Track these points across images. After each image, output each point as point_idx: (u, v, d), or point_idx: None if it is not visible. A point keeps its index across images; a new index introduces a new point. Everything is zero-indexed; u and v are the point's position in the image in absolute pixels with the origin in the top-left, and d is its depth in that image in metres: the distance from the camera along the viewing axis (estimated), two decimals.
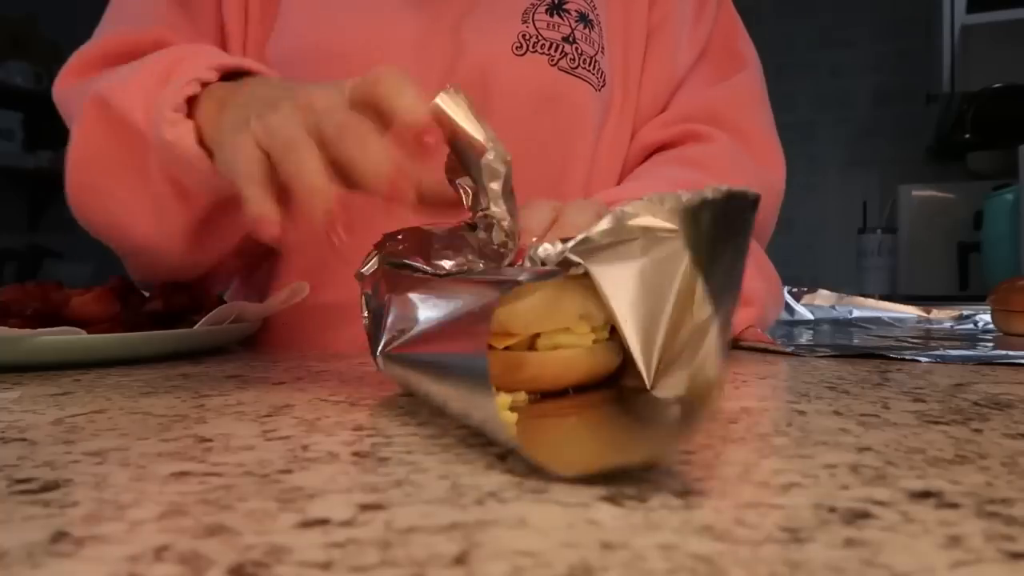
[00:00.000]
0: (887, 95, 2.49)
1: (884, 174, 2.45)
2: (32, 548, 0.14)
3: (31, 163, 3.03)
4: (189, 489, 0.18)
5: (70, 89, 0.58)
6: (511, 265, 0.34)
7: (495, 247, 0.35)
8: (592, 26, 0.64)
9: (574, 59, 0.62)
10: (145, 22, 0.59)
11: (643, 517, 0.16)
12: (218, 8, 0.62)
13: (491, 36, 0.61)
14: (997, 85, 1.79)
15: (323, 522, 0.16)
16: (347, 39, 0.59)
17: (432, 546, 0.14)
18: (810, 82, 2.55)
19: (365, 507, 0.17)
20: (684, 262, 0.25)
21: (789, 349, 0.50)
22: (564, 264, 0.28)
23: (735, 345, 0.56)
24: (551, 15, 0.63)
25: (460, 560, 0.14)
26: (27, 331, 0.40)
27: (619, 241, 0.27)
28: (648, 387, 0.26)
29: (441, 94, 0.35)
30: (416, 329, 0.28)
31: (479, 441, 0.24)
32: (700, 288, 0.25)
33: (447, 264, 0.33)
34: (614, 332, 0.30)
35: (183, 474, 0.20)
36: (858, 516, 0.16)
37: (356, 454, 0.22)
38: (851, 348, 0.52)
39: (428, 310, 0.28)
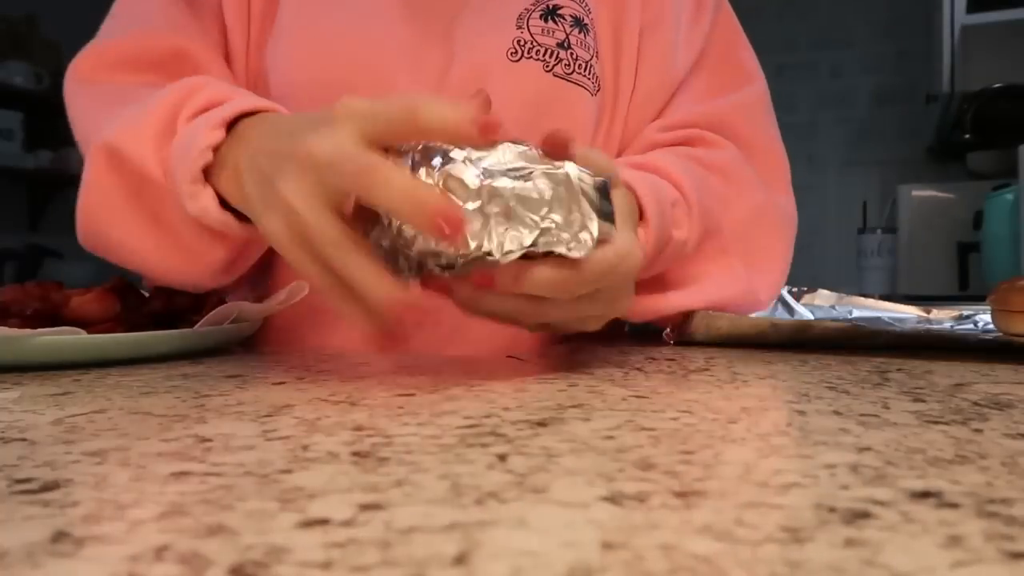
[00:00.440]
0: (887, 95, 2.49)
1: (884, 174, 2.45)
2: (32, 548, 0.14)
3: (31, 163, 3.03)
4: (189, 489, 0.18)
5: (83, 89, 0.57)
6: None
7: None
8: (587, 30, 0.64)
9: (569, 64, 0.62)
10: (155, 21, 0.59)
11: (643, 517, 0.16)
12: (220, 7, 0.62)
13: (485, 42, 0.60)
14: (997, 85, 1.78)
15: (323, 522, 0.16)
16: (342, 45, 0.58)
17: (432, 546, 0.14)
18: (810, 82, 2.55)
19: (365, 507, 0.17)
20: None
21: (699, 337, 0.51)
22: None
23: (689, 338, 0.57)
24: (545, 20, 0.63)
25: (460, 560, 0.14)
26: (27, 331, 0.40)
27: None
28: None
29: None
30: None
31: (479, 441, 0.24)
32: None
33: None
34: None
35: (183, 474, 0.20)
36: (858, 516, 0.16)
37: (356, 454, 0.22)
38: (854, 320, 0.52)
39: None
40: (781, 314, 0.83)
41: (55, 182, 3.23)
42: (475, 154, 0.33)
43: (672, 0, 0.68)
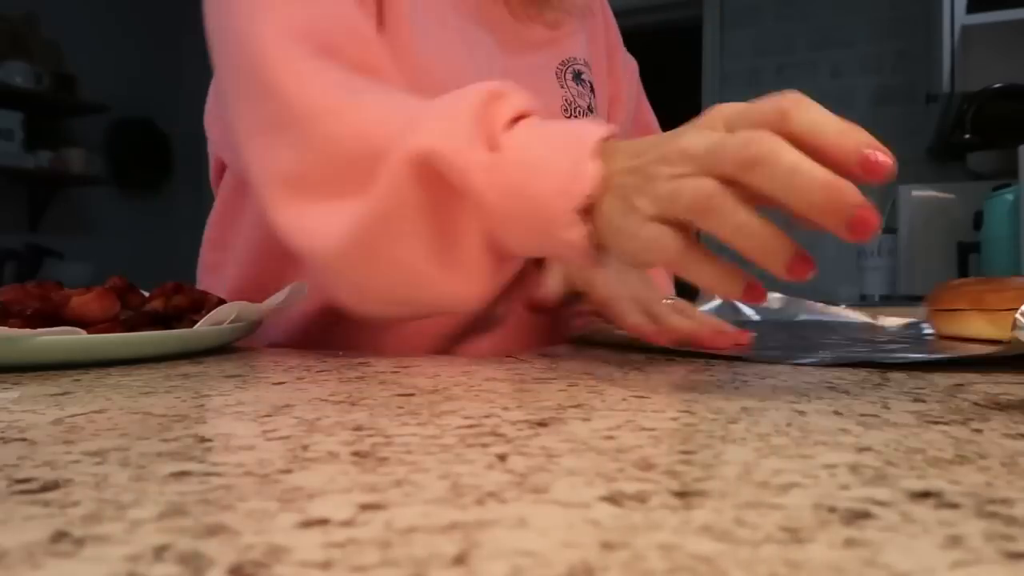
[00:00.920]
0: (887, 95, 2.49)
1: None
2: (32, 548, 0.14)
3: (31, 163, 3.03)
4: (189, 489, 0.18)
5: (308, 63, 0.46)
6: None
7: None
8: (595, 97, 0.67)
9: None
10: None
11: (643, 517, 0.16)
12: None
13: (542, 95, 0.59)
14: (997, 85, 1.78)
15: (323, 522, 0.16)
16: (447, 73, 0.55)
17: (432, 546, 0.14)
18: (810, 82, 2.56)
19: (365, 507, 0.17)
20: None
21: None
22: None
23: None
24: (576, 83, 0.64)
25: (460, 560, 0.14)
26: (27, 331, 0.40)
27: None
28: None
29: None
30: None
31: (479, 441, 0.24)
32: None
33: None
34: None
35: (183, 474, 0.20)
36: (858, 516, 0.16)
37: (356, 454, 0.22)
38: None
39: None
40: (726, 313, 0.81)
41: (55, 182, 3.24)
42: None
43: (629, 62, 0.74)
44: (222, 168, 0.68)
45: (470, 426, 0.26)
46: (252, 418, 0.28)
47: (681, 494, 0.18)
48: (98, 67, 3.46)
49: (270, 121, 0.46)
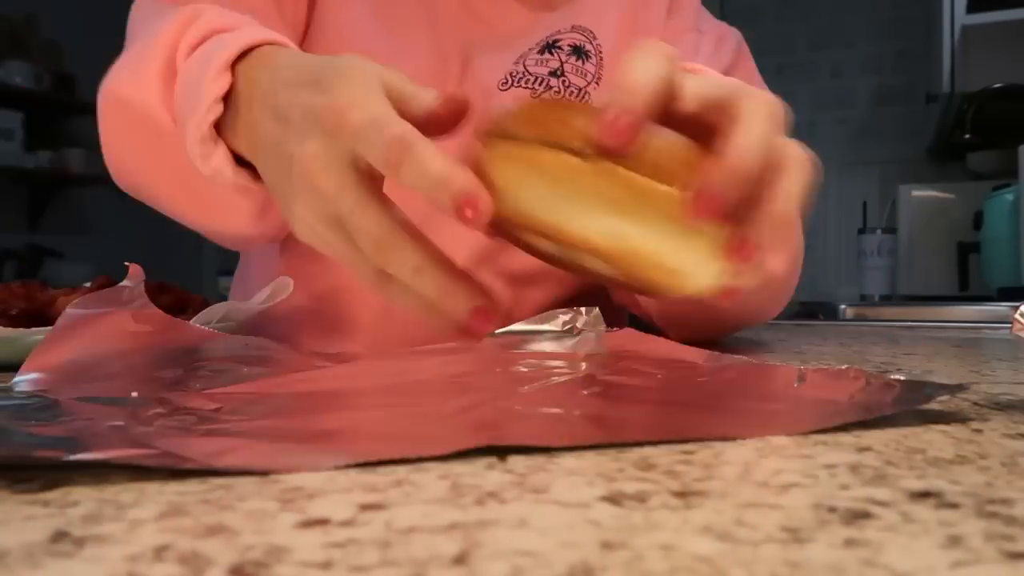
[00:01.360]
0: (887, 95, 2.49)
1: (884, 174, 2.45)
2: (32, 548, 0.14)
3: (31, 163, 3.03)
4: (189, 489, 0.18)
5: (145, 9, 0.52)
6: None
7: None
8: (587, 57, 0.65)
9: (560, 91, 0.62)
10: None
11: (643, 517, 0.16)
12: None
13: (483, 75, 0.61)
14: (997, 85, 1.78)
15: (323, 522, 0.16)
16: (371, 54, 0.57)
17: (432, 546, 0.14)
18: (810, 82, 2.55)
19: (365, 507, 0.17)
20: None
21: None
22: None
23: None
24: (542, 53, 0.64)
25: (460, 560, 0.14)
26: (20, 330, 0.40)
27: None
28: None
29: None
30: None
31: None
32: None
33: None
34: None
35: (183, 474, 0.20)
36: (858, 516, 0.16)
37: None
38: None
39: None
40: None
41: (55, 182, 3.24)
42: None
43: (691, 32, 0.69)
44: None
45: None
46: None
47: (681, 494, 0.18)
48: (98, 67, 3.44)
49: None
